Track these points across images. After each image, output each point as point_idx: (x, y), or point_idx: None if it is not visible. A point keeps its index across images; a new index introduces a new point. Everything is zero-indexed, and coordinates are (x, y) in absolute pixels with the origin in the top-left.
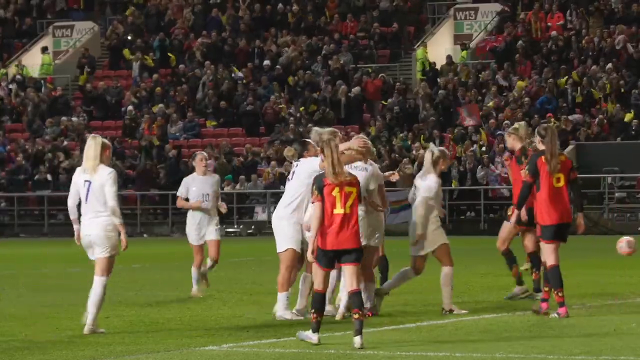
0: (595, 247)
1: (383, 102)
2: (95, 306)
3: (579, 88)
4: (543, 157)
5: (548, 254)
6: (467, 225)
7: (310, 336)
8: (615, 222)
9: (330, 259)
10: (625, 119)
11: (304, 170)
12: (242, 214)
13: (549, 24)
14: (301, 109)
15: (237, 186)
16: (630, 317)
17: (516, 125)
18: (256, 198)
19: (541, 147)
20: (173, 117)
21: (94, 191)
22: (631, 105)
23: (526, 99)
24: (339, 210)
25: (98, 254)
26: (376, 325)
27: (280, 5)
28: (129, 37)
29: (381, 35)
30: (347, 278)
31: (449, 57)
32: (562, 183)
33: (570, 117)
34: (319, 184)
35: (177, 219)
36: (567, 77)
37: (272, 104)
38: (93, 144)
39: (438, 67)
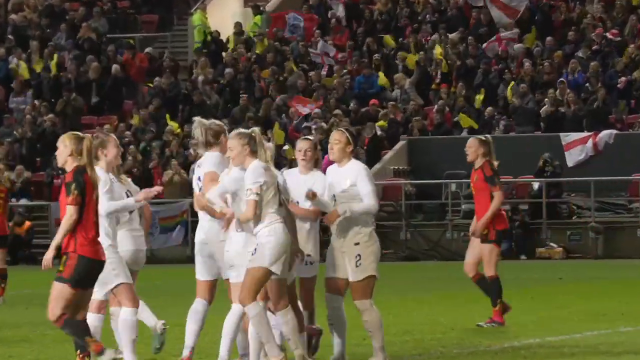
0: (437, 275)
1: (149, 84)
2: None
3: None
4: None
5: None
6: None
7: None
8: (461, 243)
9: None
10: (476, 104)
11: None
12: None
13: None
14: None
15: None
16: None
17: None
18: None
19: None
20: None
21: None
22: (481, 86)
23: (343, 77)
24: None
25: None
26: None
27: None
28: None
29: None
30: None
31: (238, 25)
32: None
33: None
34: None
35: None
36: (395, 50)
37: None
38: None
39: (223, 37)
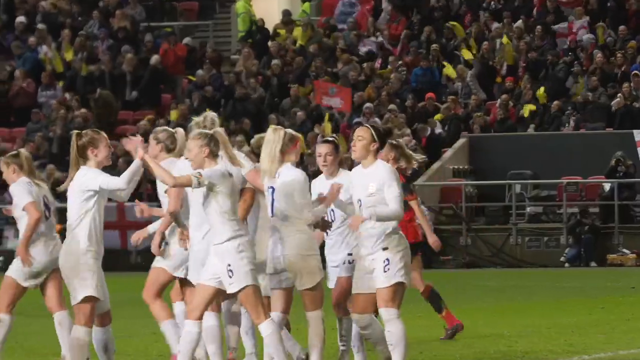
0: (501, 284)
1: (189, 76)
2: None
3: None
4: None
5: None
6: None
7: None
8: (525, 250)
9: None
10: (539, 99)
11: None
12: None
13: None
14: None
15: None
16: None
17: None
18: (4, 218)
19: None
20: None
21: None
22: (547, 78)
23: (401, 71)
24: None
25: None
26: None
27: None
28: None
29: None
30: None
31: (286, 13)
32: None
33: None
34: None
35: None
36: (453, 40)
37: (21, 80)
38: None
39: (269, 26)
